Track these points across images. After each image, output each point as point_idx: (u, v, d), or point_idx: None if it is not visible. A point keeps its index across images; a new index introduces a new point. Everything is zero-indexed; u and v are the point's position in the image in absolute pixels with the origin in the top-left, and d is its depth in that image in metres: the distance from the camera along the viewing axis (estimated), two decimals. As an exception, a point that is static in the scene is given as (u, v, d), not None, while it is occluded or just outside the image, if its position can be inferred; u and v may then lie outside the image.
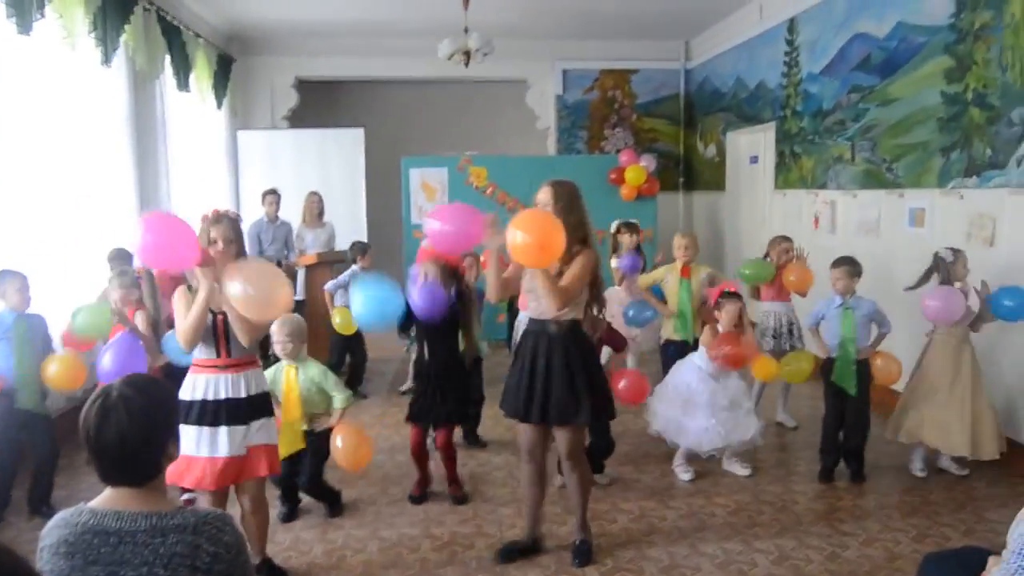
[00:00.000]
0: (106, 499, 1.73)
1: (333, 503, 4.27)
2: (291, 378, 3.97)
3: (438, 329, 4.34)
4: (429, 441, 4.61)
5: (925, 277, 4.64)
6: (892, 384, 4.85)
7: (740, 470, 4.79)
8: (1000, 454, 4.48)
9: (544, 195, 3.47)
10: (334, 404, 4.11)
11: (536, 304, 3.48)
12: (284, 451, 3.80)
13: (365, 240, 7.20)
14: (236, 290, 2.92)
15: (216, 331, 3.20)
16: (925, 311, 4.50)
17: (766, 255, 5.67)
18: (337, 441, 3.73)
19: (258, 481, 3.38)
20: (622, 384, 4.41)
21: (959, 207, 5.34)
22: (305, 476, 4.14)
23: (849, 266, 4.65)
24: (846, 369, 4.60)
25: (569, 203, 3.45)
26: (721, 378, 4.61)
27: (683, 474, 4.74)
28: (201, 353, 3.23)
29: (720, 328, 4.59)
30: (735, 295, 4.69)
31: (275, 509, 4.19)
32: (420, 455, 4.45)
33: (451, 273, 4.40)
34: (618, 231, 6.45)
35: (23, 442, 4.26)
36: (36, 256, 5.27)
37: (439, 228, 3.31)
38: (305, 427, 4.05)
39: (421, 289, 4.15)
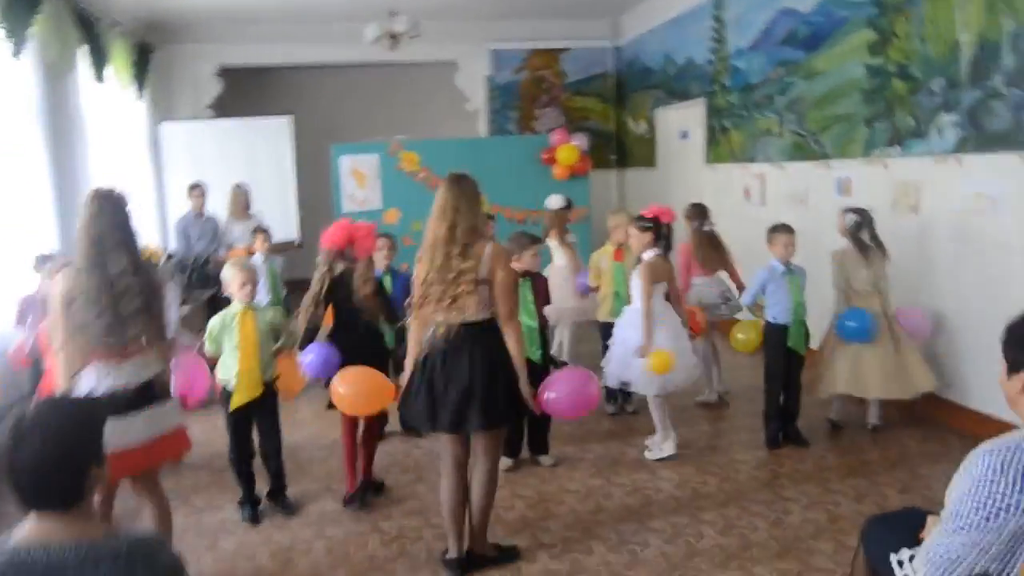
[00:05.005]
0: (31, 530, 1.63)
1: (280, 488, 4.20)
2: (249, 323, 3.86)
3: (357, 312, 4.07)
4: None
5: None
6: None
7: (667, 450, 4.69)
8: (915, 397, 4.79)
9: (441, 197, 3.21)
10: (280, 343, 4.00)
11: (447, 312, 3.19)
12: (244, 398, 3.85)
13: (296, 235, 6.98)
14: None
15: None
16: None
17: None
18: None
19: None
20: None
21: (884, 176, 5.48)
22: (270, 442, 4.08)
23: (790, 233, 4.74)
24: (800, 332, 4.72)
25: (469, 204, 3.20)
26: (665, 317, 4.58)
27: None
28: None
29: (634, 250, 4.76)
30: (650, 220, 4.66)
31: (220, 512, 4.11)
32: (350, 443, 4.26)
33: (339, 254, 4.09)
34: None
35: None
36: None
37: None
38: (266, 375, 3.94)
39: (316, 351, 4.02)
